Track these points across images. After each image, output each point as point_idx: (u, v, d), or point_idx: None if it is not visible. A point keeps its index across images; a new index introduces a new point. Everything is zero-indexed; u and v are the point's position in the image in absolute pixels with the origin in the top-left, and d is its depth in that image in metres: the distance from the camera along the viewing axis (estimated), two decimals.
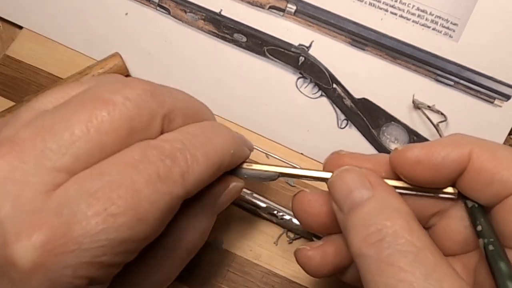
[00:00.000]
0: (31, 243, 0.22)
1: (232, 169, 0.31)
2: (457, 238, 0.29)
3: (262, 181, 0.32)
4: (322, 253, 0.30)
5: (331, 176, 0.29)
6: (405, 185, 0.29)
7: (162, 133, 0.28)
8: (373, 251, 0.25)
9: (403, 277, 0.23)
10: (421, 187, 0.29)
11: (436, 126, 0.39)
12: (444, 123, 0.39)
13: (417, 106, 0.40)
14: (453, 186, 0.29)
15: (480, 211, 0.28)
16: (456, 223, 0.30)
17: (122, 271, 0.26)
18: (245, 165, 0.32)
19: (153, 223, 0.25)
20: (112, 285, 0.26)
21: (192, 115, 0.30)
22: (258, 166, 0.32)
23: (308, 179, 0.31)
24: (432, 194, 0.29)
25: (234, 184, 0.32)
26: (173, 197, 0.25)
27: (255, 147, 0.41)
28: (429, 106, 0.39)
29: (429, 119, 0.39)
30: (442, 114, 0.39)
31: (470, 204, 0.28)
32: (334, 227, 0.30)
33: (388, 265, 0.24)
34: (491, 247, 0.26)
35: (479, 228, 0.27)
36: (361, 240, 0.25)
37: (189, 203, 0.29)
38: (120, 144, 0.26)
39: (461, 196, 0.29)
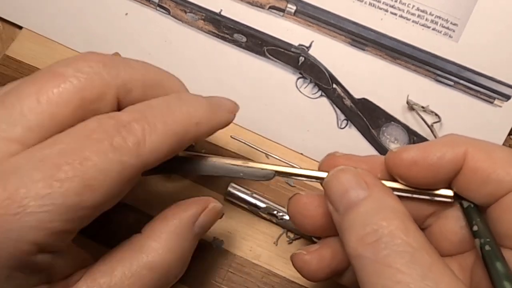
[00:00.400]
0: None
1: (227, 170, 0.31)
2: (454, 238, 0.30)
3: (258, 180, 0.32)
4: (318, 257, 0.30)
5: (327, 176, 0.29)
6: (400, 186, 0.29)
7: (119, 104, 0.28)
8: (370, 252, 0.25)
9: (400, 278, 0.23)
10: (417, 188, 0.29)
11: (430, 127, 0.39)
12: (438, 123, 0.39)
13: (411, 107, 0.40)
14: (449, 187, 0.29)
15: (476, 211, 0.28)
16: (452, 223, 0.30)
17: None
18: (241, 163, 0.32)
19: (103, 191, 0.25)
20: None
21: (154, 85, 0.30)
22: (254, 164, 0.32)
23: (304, 178, 0.31)
24: (428, 197, 0.29)
25: (213, 205, 0.31)
26: (126, 166, 0.25)
27: (255, 147, 0.41)
28: (423, 107, 0.39)
29: (423, 119, 0.39)
30: (436, 115, 0.39)
31: (466, 204, 0.29)
32: (331, 230, 0.30)
33: (385, 266, 0.24)
34: (487, 247, 0.26)
35: (475, 228, 0.27)
36: (357, 241, 0.25)
37: (167, 222, 0.29)
38: (73, 115, 0.26)
39: (457, 197, 0.29)
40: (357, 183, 0.27)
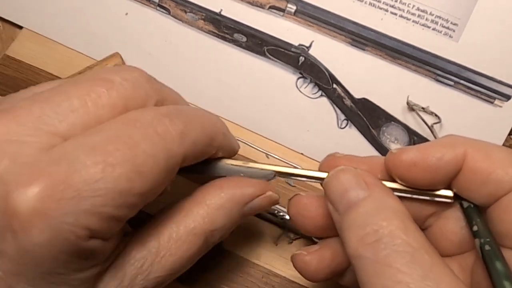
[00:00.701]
0: (30, 190, 0.23)
1: (227, 170, 0.31)
2: (454, 238, 0.29)
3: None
4: (319, 257, 0.30)
5: (327, 176, 0.29)
6: (400, 187, 0.29)
7: None
8: (370, 252, 0.24)
9: (400, 278, 0.23)
10: (416, 189, 0.29)
11: (430, 128, 0.39)
12: (438, 124, 0.39)
13: (411, 107, 0.40)
14: (449, 188, 0.29)
15: (475, 212, 0.28)
16: (452, 224, 0.30)
17: None
18: (241, 163, 0.32)
19: (151, 178, 0.25)
20: None
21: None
22: (255, 165, 0.32)
23: (304, 178, 0.31)
24: (427, 198, 0.29)
25: (270, 193, 0.32)
26: (171, 154, 0.26)
27: (255, 147, 0.41)
28: (423, 108, 0.39)
29: (423, 120, 0.39)
30: (436, 116, 0.39)
31: (465, 204, 0.29)
32: (331, 230, 0.30)
33: (385, 266, 0.24)
34: (487, 247, 0.26)
35: (475, 228, 0.27)
36: (357, 241, 0.25)
37: (220, 193, 0.30)
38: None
39: (456, 197, 0.29)
40: (357, 183, 0.27)
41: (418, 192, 0.29)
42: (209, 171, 0.32)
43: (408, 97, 0.40)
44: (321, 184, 0.31)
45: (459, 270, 0.29)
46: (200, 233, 0.29)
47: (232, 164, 0.32)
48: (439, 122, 0.39)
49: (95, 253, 0.25)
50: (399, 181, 0.29)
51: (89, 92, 0.26)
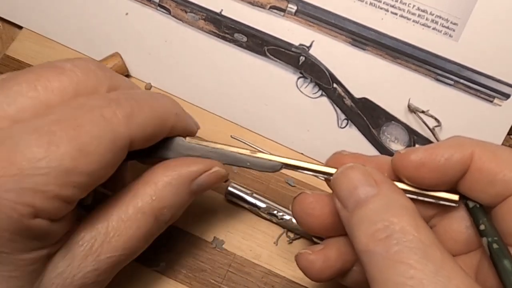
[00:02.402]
0: None
1: (234, 158, 0.32)
2: (459, 238, 0.30)
3: (265, 171, 0.32)
4: (324, 257, 0.30)
5: (335, 173, 0.29)
6: (406, 187, 0.29)
7: None
8: (381, 247, 0.24)
9: (413, 274, 0.23)
10: (423, 189, 0.29)
11: (432, 130, 0.39)
12: (438, 127, 0.40)
13: (412, 110, 0.40)
14: (455, 189, 0.29)
15: (481, 211, 0.28)
16: (457, 223, 0.30)
17: None
18: (249, 153, 0.32)
19: (97, 158, 0.26)
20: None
21: None
22: (262, 155, 0.32)
23: (312, 172, 0.31)
24: (433, 201, 0.29)
25: (217, 168, 0.32)
26: (117, 135, 0.27)
27: (255, 147, 0.41)
28: (423, 111, 0.40)
29: (424, 123, 0.40)
30: (436, 119, 0.40)
31: (471, 204, 0.29)
32: (336, 229, 0.30)
33: (397, 262, 0.24)
34: (495, 246, 0.26)
35: (482, 227, 0.27)
36: (368, 237, 0.25)
37: (165, 172, 0.30)
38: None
39: (462, 197, 0.29)
40: (366, 180, 0.27)
41: (423, 194, 0.29)
42: (208, 158, 0.32)
43: (409, 100, 0.40)
44: (326, 182, 0.31)
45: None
46: (149, 212, 0.30)
47: (239, 153, 0.32)
48: (439, 125, 0.39)
49: (43, 234, 0.26)
50: (406, 181, 0.29)
51: (39, 77, 0.27)
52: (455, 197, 0.29)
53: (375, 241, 0.25)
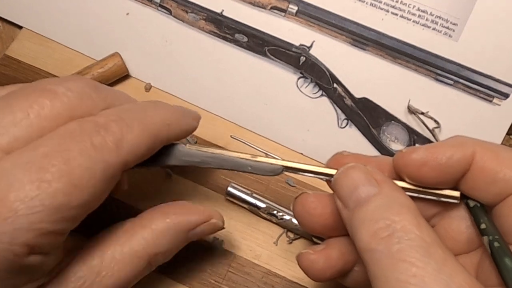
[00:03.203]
0: None
1: (235, 163, 0.32)
2: (459, 237, 0.30)
3: (266, 175, 0.32)
4: (325, 256, 0.30)
5: (336, 173, 0.29)
6: (406, 185, 0.29)
7: None
8: (383, 245, 0.24)
9: (415, 272, 0.23)
10: (424, 188, 0.29)
11: (431, 131, 0.39)
12: (438, 129, 0.40)
13: (412, 111, 0.40)
14: (456, 189, 0.29)
15: (482, 210, 0.28)
16: (457, 223, 0.30)
17: None
18: (249, 157, 0.32)
19: (89, 190, 0.26)
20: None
21: None
22: (263, 159, 0.32)
23: (312, 174, 0.31)
24: (434, 198, 0.29)
25: (215, 221, 0.33)
26: (108, 165, 0.27)
27: (255, 147, 0.41)
28: (423, 113, 0.40)
29: (424, 124, 0.40)
30: (435, 121, 0.40)
31: (472, 203, 0.29)
32: (337, 229, 0.30)
33: (399, 260, 0.24)
34: (496, 244, 0.26)
35: (483, 226, 0.28)
36: (369, 235, 0.25)
37: (165, 219, 0.31)
38: None
39: (463, 196, 0.29)
40: (367, 179, 0.27)
41: (424, 192, 0.29)
42: (208, 164, 0.32)
43: (409, 101, 0.40)
44: (327, 182, 0.31)
45: None
46: (144, 256, 0.30)
47: (240, 158, 0.32)
48: (439, 127, 0.40)
49: (35, 268, 0.26)
50: (407, 180, 0.29)
51: (31, 104, 0.27)
52: (456, 193, 0.29)
53: (377, 239, 0.25)
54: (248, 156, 0.32)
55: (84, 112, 0.28)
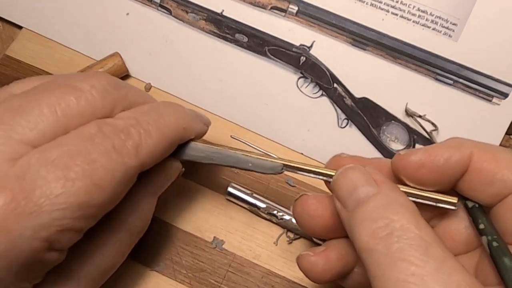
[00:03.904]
0: None
1: (236, 159, 0.32)
2: (457, 238, 0.30)
3: (266, 173, 0.32)
4: (325, 258, 0.30)
5: (335, 174, 0.29)
6: (405, 189, 0.29)
7: None
8: (382, 245, 0.24)
9: (414, 271, 0.23)
10: (422, 189, 0.29)
11: (429, 134, 0.40)
12: (435, 131, 0.40)
13: (409, 114, 0.40)
14: (454, 192, 0.29)
15: (480, 211, 0.29)
16: (456, 223, 0.30)
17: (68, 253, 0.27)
18: (251, 154, 0.32)
19: (109, 191, 0.27)
20: (57, 266, 0.27)
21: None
22: (264, 156, 0.32)
23: (312, 174, 0.31)
24: (432, 203, 0.29)
25: (171, 163, 0.33)
26: (128, 168, 0.28)
27: (255, 147, 0.41)
28: (420, 116, 0.40)
29: (422, 127, 0.40)
30: (433, 123, 0.40)
31: (470, 204, 0.29)
32: (337, 231, 0.30)
33: (399, 259, 0.24)
34: (495, 244, 0.27)
35: (481, 226, 0.28)
36: (368, 235, 0.25)
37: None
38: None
39: (461, 197, 0.29)
40: (366, 180, 0.27)
41: (423, 196, 0.29)
42: (211, 159, 0.33)
43: (406, 104, 0.40)
44: (326, 184, 0.31)
45: None
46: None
47: (242, 154, 0.32)
48: (436, 129, 0.40)
49: (48, 265, 0.27)
50: (406, 181, 0.29)
51: (59, 100, 0.28)
52: (454, 199, 0.29)
53: (376, 239, 0.25)
54: (250, 153, 0.32)
55: (106, 110, 0.29)
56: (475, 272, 0.29)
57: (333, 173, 0.29)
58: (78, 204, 0.25)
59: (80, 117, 0.28)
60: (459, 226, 0.30)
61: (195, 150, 0.33)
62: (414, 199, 0.29)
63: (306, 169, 0.31)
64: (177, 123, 0.31)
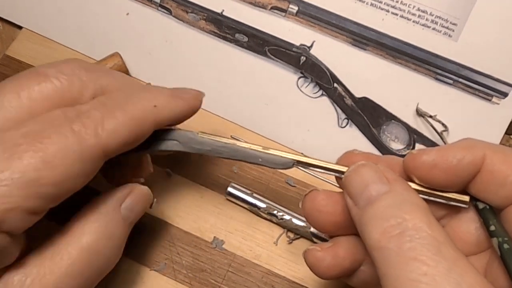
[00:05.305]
0: None
1: (246, 154, 0.31)
2: (468, 239, 0.30)
3: (276, 168, 0.32)
4: (332, 254, 0.30)
5: (347, 171, 0.29)
6: (416, 187, 0.29)
7: None
8: (394, 243, 0.24)
9: (426, 271, 0.23)
10: (433, 189, 0.29)
11: (440, 134, 0.40)
12: (446, 132, 0.40)
13: (420, 114, 0.40)
14: (465, 193, 0.29)
15: (491, 212, 0.28)
16: (466, 224, 0.30)
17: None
18: (261, 149, 0.31)
19: (63, 169, 0.26)
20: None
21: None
22: (275, 151, 0.31)
23: (324, 170, 0.31)
24: (444, 201, 0.29)
25: (139, 188, 0.32)
26: (85, 146, 0.27)
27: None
28: (431, 116, 0.40)
29: (433, 127, 0.40)
30: (443, 124, 0.40)
31: (481, 205, 0.29)
32: (346, 227, 0.30)
33: (410, 258, 0.24)
34: (505, 246, 0.26)
35: (492, 228, 0.28)
36: (380, 233, 0.25)
37: (95, 205, 0.30)
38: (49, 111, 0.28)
39: (472, 199, 0.29)
40: (378, 178, 0.27)
41: (434, 194, 0.29)
42: (220, 153, 0.32)
43: (417, 104, 0.40)
44: (337, 180, 0.31)
45: None
46: (88, 248, 0.29)
47: (252, 149, 0.31)
48: (447, 130, 0.40)
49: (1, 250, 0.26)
50: (417, 181, 0.29)
51: (22, 86, 0.28)
52: (466, 198, 0.29)
53: (388, 237, 0.25)
54: (259, 148, 0.31)
55: (74, 93, 0.29)
56: (484, 274, 0.29)
57: (344, 170, 0.29)
58: (26, 180, 0.25)
59: (46, 101, 0.28)
60: (469, 227, 0.30)
61: (202, 144, 0.32)
62: (425, 197, 0.29)
63: (317, 165, 0.31)
64: (146, 102, 0.30)
